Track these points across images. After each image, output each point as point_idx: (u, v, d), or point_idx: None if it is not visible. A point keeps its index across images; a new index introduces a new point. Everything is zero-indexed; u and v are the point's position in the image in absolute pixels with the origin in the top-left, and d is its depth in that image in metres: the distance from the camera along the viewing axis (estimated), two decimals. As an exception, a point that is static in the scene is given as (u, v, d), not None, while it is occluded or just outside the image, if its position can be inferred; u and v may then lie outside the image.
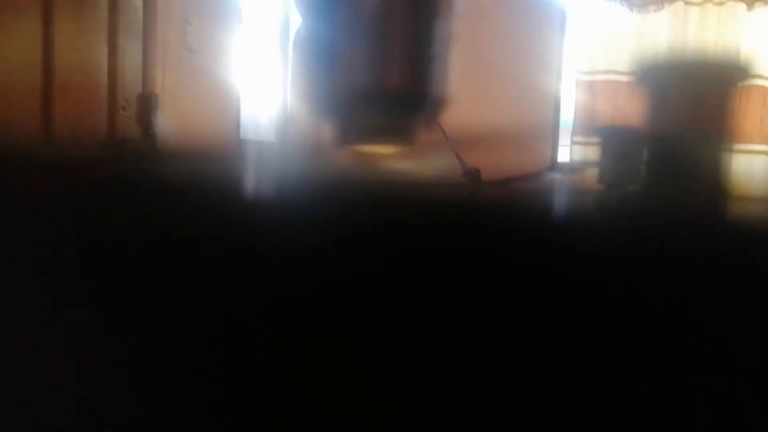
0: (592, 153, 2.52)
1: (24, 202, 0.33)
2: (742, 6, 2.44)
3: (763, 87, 2.44)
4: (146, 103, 1.98)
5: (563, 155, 2.69)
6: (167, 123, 2.01)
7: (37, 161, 0.34)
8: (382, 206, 0.25)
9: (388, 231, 0.27)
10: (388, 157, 0.35)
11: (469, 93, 2.48)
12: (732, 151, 2.47)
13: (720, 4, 2.44)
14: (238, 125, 2.34)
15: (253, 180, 0.31)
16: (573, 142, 2.56)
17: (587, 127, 2.52)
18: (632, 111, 2.51)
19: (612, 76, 2.49)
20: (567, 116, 2.66)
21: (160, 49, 1.98)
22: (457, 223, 0.29)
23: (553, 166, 2.71)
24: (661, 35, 2.46)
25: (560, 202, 0.39)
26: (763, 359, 0.14)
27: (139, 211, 0.27)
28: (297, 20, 0.34)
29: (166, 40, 2.00)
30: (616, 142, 0.47)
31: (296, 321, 0.15)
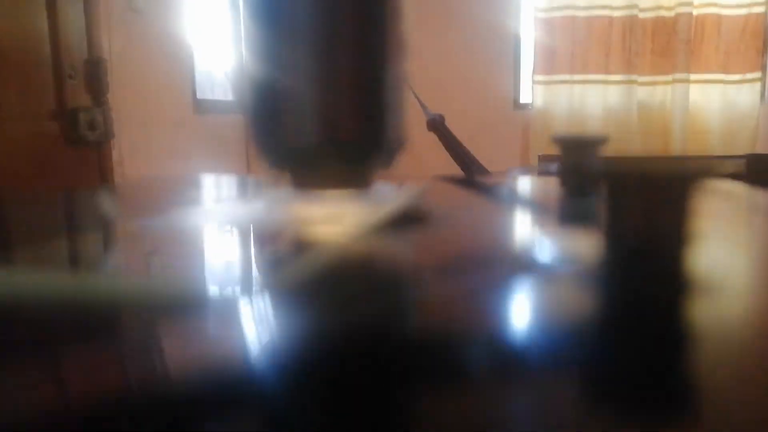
0: (553, 93, 2.54)
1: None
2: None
3: (717, 15, 2.47)
4: (95, 69, 1.92)
5: (525, 95, 2.70)
6: (119, 89, 1.95)
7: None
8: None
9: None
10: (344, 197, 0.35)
11: (426, 35, 2.45)
12: (688, 81, 2.51)
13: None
14: (193, 86, 2.28)
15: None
16: (534, 82, 2.57)
17: (547, 65, 2.53)
18: (591, 47, 2.52)
19: (570, 12, 2.48)
20: (527, 55, 2.66)
21: (104, 11, 1.90)
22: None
23: (516, 106, 2.71)
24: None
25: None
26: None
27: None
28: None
29: (110, 1, 1.92)
30: (577, 146, 0.46)
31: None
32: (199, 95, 2.32)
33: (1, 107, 1.66)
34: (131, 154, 1.97)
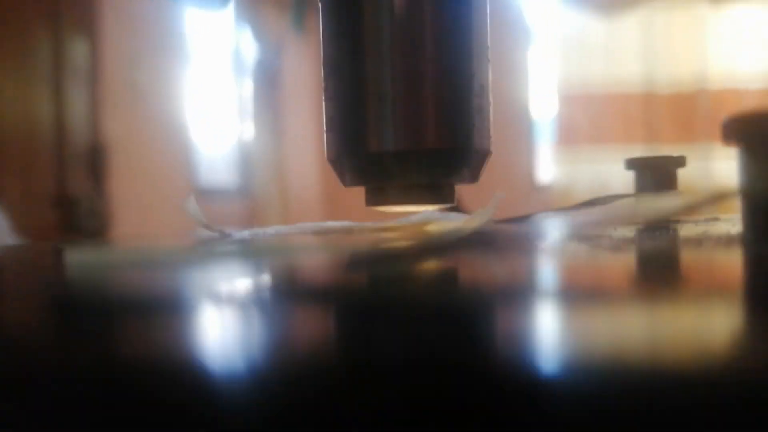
0: (573, 172, 2.65)
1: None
2: (708, 10, 2.63)
3: (736, 90, 2.62)
4: (97, 156, 2.01)
5: (543, 174, 2.81)
6: (118, 175, 2.02)
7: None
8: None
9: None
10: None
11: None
12: (712, 157, 2.63)
13: (686, 8, 2.62)
14: (192, 173, 2.38)
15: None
16: (553, 160, 2.69)
17: (566, 144, 2.65)
18: (610, 124, 2.66)
19: (586, 89, 2.63)
20: (543, 133, 2.78)
21: (108, 96, 2.01)
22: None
23: (533, 186, 2.81)
24: (631, 43, 2.62)
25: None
26: None
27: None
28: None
29: (114, 86, 2.04)
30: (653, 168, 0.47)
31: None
32: (200, 181, 2.41)
33: (3, 195, 1.73)
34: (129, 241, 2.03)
